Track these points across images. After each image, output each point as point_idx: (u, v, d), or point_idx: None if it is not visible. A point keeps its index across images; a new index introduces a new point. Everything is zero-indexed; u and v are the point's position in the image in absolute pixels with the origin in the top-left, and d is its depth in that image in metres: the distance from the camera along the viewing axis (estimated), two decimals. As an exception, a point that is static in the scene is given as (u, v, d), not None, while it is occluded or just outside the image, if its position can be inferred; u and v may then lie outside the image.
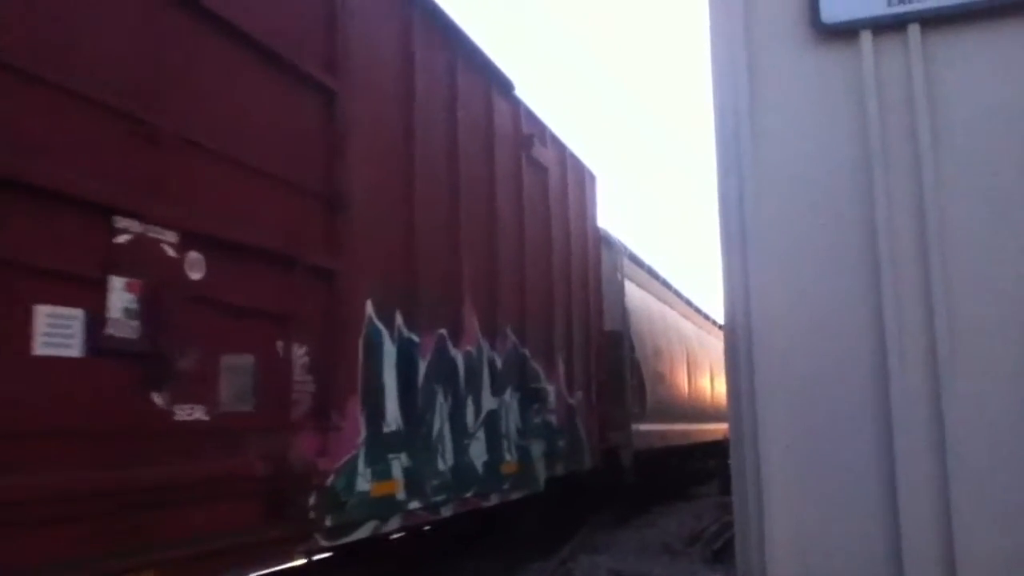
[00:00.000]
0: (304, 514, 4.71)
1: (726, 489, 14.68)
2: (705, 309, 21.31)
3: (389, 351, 5.83)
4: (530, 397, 8.28)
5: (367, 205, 5.56)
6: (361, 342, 5.47)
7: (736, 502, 6.49)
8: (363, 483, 5.37)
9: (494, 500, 7.43)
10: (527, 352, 8.28)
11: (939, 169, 5.20)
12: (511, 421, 7.87)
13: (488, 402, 7.37)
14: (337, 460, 5.05)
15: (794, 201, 6.24)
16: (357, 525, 5.30)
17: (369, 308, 5.59)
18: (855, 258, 6.01)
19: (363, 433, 5.41)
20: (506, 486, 7.60)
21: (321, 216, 5.01)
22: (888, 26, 5.19)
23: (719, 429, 18.80)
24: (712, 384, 18.36)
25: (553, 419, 8.89)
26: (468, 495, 6.84)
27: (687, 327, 16.70)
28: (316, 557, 5.70)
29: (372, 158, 5.69)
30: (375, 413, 5.59)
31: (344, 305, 5.12)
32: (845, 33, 5.35)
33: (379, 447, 5.60)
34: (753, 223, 6.28)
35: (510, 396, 7.90)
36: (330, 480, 4.96)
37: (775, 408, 6.14)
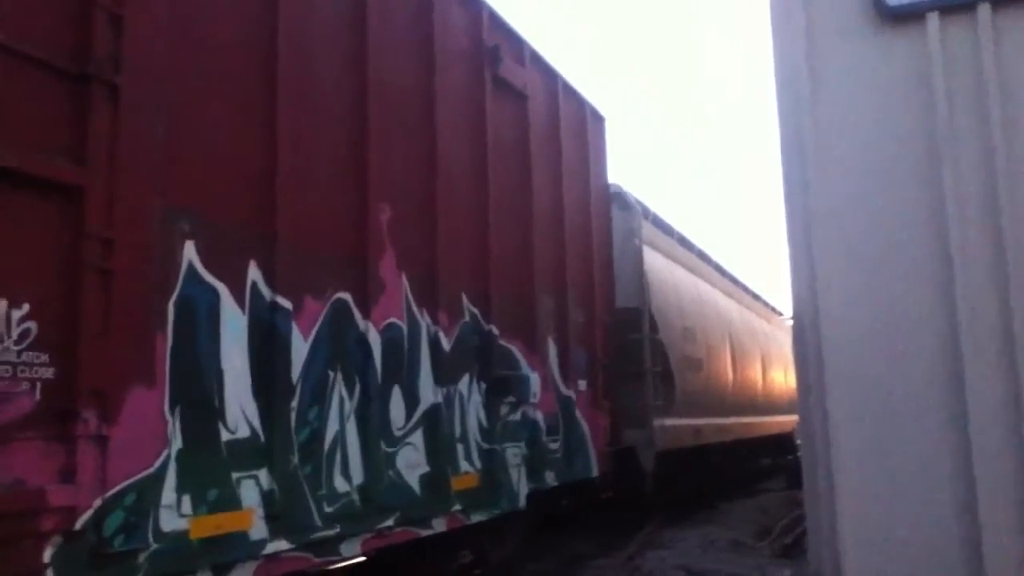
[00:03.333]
0: (17, 581, 2.86)
1: (793, 483, 13.24)
2: (756, 292, 19.07)
3: (233, 319, 3.95)
4: (500, 388, 6.33)
5: (178, 101, 3.68)
6: (172, 305, 3.61)
7: (807, 498, 6.48)
8: (171, 519, 3.51)
9: (439, 527, 5.51)
10: (494, 329, 6.33)
11: (1012, 155, 5.03)
12: (469, 420, 5.94)
13: (428, 394, 5.45)
14: (104, 488, 3.19)
15: (859, 191, 6.27)
16: (157, 585, 3.44)
17: (189, 254, 3.72)
18: (925, 249, 6.07)
19: (173, 443, 3.55)
20: (458, 506, 5.67)
21: (57, 100, 3.13)
22: (956, 7, 5.03)
23: (774, 423, 16.67)
24: (763, 373, 16.13)
25: (538, 416, 6.92)
26: (388, 523, 4.93)
27: (729, 307, 14.51)
28: None
29: (192, 36, 3.81)
30: (202, 412, 3.74)
31: (110, 244, 3.24)
32: (911, 16, 5.24)
33: (209, 463, 3.74)
34: (818, 213, 6.28)
35: (468, 387, 5.97)
36: (83, 520, 3.10)
37: (846, 403, 6.23)
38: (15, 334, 2.92)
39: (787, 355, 17.07)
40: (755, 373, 15.49)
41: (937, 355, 6.74)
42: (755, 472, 17.74)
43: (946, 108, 6.64)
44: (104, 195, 3.19)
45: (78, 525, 3.07)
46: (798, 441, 9.94)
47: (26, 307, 2.96)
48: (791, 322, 7.99)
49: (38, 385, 2.98)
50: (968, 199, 6.36)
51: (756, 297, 18.61)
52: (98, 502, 3.15)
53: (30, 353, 2.96)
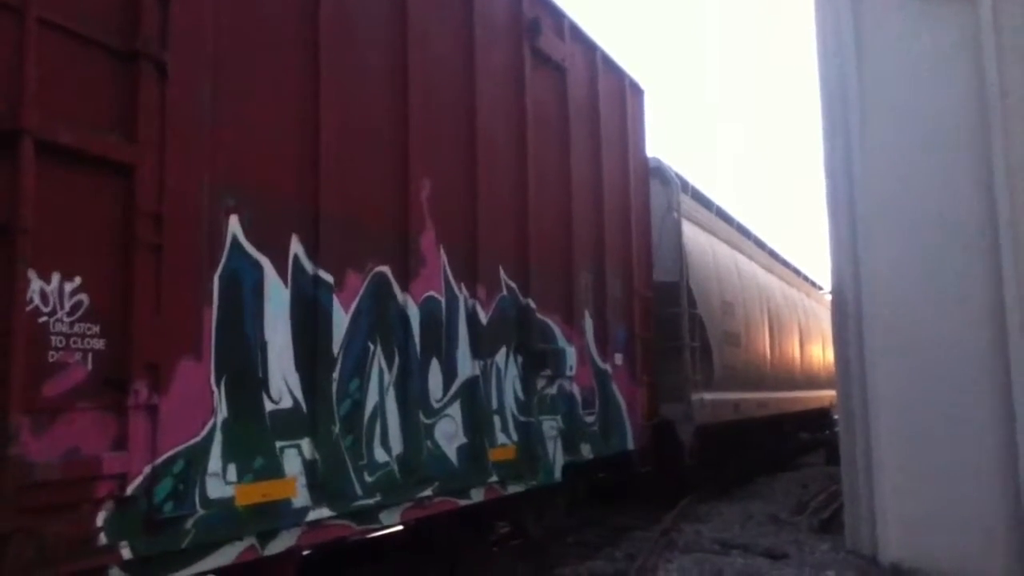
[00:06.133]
0: (72, 544, 2.97)
1: (832, 459, 13.28)
2: (796, 266, 18.87)
3: (277, 293, 4.03)
4: (537, 361, 6.37)
5: (223, 77, 3.73)
6: (217, 279, 3.68)
7: (845, 474, 6.69)
8: (217, 487, 3.61)
9: (477, 497, 5.59)
10: (531, 303, 6.36)
11: (1063, 123, 4.52)
12: (506, 392, 5.99)
13: (466, 367, 5.51)
14: (153, 456, 3.29)
15: (904, 161, 6.30)
16: (206, 550, 3.55)
17: (233, 228, 3.79)
18: (972, 218, 6.08)
19: (218, 413, 3.64)
20: (496, 478, 5.75)
21: (107, 78, 3.19)
22: (1007, -27, 4.63)
23: (812, 398, 16.60)
24: (802, 347, 16.02)
25: (574, 389, 6.96)
26: (427, 493, 5.02)
27: (769, 281, 14.39)
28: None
29: (236, 12, 3.84)
30: (247, 383, 3.82)
31: (159, 220, 3.31)
32: None
33: (254, 432, 3.83)
34: (860, 184, 6.36)
35: (505, 360, 6.02)
36: (134, 486, 3.20)
37: (886, 377, 6.33)
38: (67, 306, 3.01)
39: (826, 330, 16.90)
40: (794, 348, 15.39)
41: (983, 327, 6.65)
42: (794, 447, 17.67)
43: (996, 75, 6.49)
44: (154, 171, 3.26)
45: (129, 491, 3.17)
46: (836, 416, 9.92)
47: (78, 280, 3.05)
48: (831, 296, 7.93)
49: (89, 356, 3.07)
50: (1018, 167, 6.24)
51: (796, 271, 18.43)
52: (148, 469, 3.25)
53: (82, 324, 3.05)
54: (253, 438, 3.82)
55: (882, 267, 6.73)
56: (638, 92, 8.95)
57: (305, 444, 4.12)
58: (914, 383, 6.56)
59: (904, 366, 6.57)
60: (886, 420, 6.59)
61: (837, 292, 7.25)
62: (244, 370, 3.80)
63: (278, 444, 3.97)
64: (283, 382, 4.03)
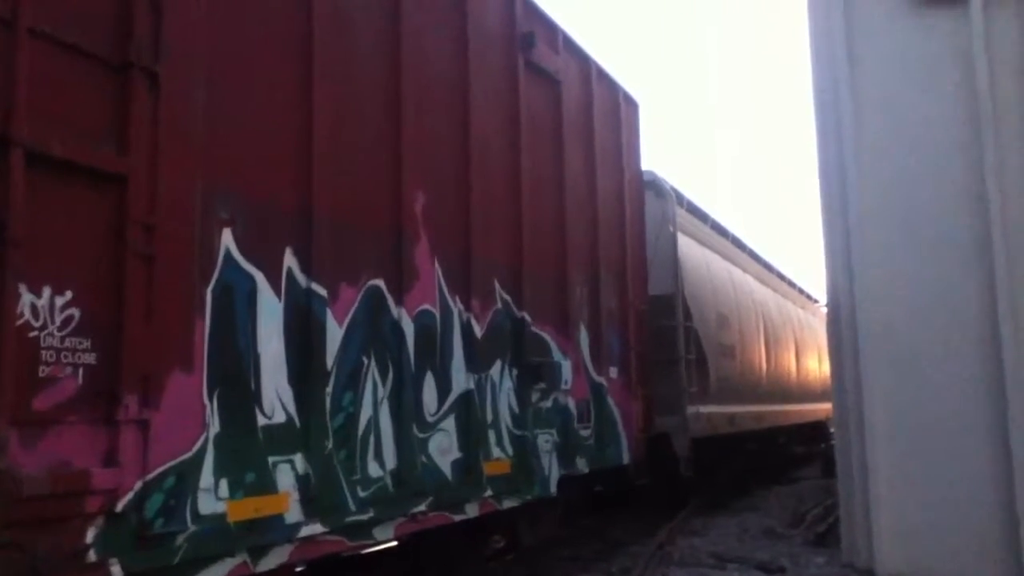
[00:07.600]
0: (61, 560, 2.93)
1: (828, 471, 13.28)
2: (791, 279, 18.89)
3: (270, 307, 4.00)
4: (532, 375, 6.34)
5: (217, 90, 3.72)
6: (210, 292, 3.66)
7: (841, 487, 6.67)
8: (209, 502, 3.57)
9: (471, 512, 5.55)
10: (526, 316, 6.33)
11: (1054, 135, 5.29)
12: (501, 406, 5.96)
13: (460, 380, 5.48)
14: (144, 471, 3.25)
15: (898, 172, 6.30)
16: (197, 566, 3.50)
17: (226, 241, 3.77)
18: (964, 232, 6.08)
19: (210, 428, 3.61)
20: (490, 491, 5.71)
21: (99, 88, 3.17)
22: (1000, -15, 4.56)
23: (808, 411, 16.59)
24: (797, 360, 16.00)
25: (570, 403, 6.93)
26: (421, 508, 4.98)
27: (764, 294, 14.39)
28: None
29: (229, 22, 3.83)
30: (239, 397, 3.78)
31: (152, 231, 3.29)
32: None
33: (246, 447, 3.80)
34: (855, 195, 6.32)
35: (500, 373, 5.99)
36: (124, 502, 3.16)
37: (882, 389, 6.28)
38: (58, 320, 2.98)
39: (821, 342, 16.94)
40: (789, 360, 15.38)
41: (977, 340, 6.66)
42: (790, 460, 17.66)
43: (988, 87, 6.53)
44: (146, 183, 3.24)
45: (120, 507, 3.13)
46: (832, 429, 9.88)
47: (69, 294, 3.02)
48: (826, 309, 7.93)
49: (80, 370, 3.04)
50: (1011, 181, 6.27)
51: (791, 284, 18.45)
52: (139, 484, 3.21)
53: (73, 339, 3.02)
54: (245, 453, 3.79)
55: (877, 278, 6.74)
56: (633, 105, 8.96)
57: (298, 459, 4.08)
58: (909, 394, 6.56)
59: (899, 377, 6.57)
60: (882, 432, 6.58)
61: (832, 304, 7.24)
62: (237, 384, 3.77)
63: (271, 459, 3.94)
64: (276, 396, 4.00)
